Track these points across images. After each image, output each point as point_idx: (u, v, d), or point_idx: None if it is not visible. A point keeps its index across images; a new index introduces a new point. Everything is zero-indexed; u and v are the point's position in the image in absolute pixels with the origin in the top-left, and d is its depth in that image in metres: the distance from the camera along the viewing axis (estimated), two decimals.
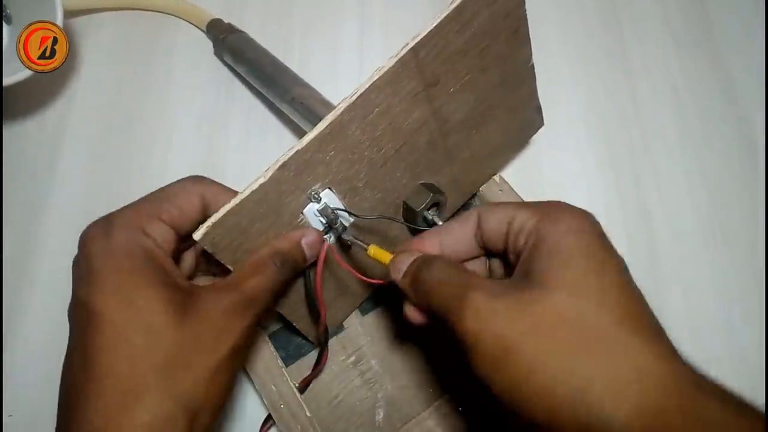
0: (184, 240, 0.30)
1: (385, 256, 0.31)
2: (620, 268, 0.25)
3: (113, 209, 0.50)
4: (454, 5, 0.30)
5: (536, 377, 0.22)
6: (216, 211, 0.27)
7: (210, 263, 0.32)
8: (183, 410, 0.24)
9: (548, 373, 0.22)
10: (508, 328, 0.23)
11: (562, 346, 0.22)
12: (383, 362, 0.40)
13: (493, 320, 0.23)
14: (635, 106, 0.50)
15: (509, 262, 0.28)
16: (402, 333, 0.41)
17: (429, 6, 0.54)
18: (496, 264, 0.31)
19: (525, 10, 0.34)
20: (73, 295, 0.27)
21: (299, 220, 0.31)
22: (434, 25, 0.30)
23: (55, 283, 0.44)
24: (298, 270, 0.31)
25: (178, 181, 0.30)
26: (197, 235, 0.27)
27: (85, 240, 0.27)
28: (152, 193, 0.29)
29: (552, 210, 0.26)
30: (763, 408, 0.21)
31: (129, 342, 0.24)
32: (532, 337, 0.22)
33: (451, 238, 0.30)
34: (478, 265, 0.32)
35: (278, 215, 0.30)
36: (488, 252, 0.30)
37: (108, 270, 0.25)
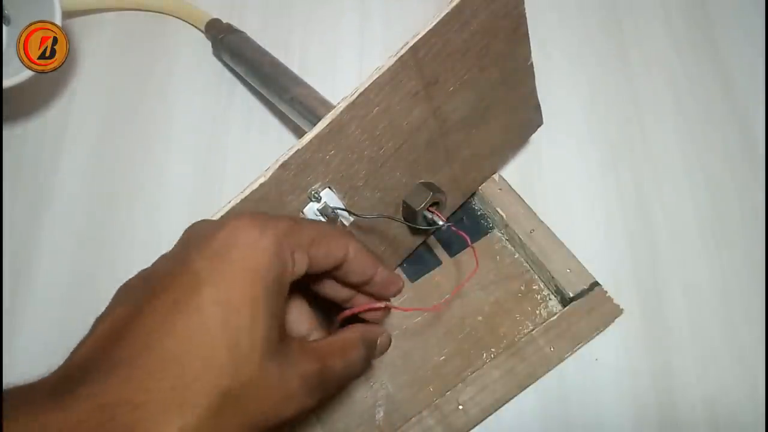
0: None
1: None
2: None
3: (113, 209, 0.49)
4: (454, 4, 0.30)
5: None
6: (350, 266, 0.27)
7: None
8: None
9: None
10: None
11: None
12: (383, 361, 0.40)
13: None
14: (635, 105, 0.50)
15: None
16: (402, 332, 0.41)
17: (429, 5, 0.54)
18: None
19: (524, 9, 0.34)
20: (178, 252, 0.24)
21: None
22: (433, 24, 0.30)
23: (55, 284, 0.44)
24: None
25: (328, 224, 0.28)
26: None
27: (234, 225, 0.24)
28: (309, 221, 0.26)
29: None
30: None
31: (214, 340, 0.22)
32: None
33: None
34: None
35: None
36: None
37: (246, 266, 0.23)
